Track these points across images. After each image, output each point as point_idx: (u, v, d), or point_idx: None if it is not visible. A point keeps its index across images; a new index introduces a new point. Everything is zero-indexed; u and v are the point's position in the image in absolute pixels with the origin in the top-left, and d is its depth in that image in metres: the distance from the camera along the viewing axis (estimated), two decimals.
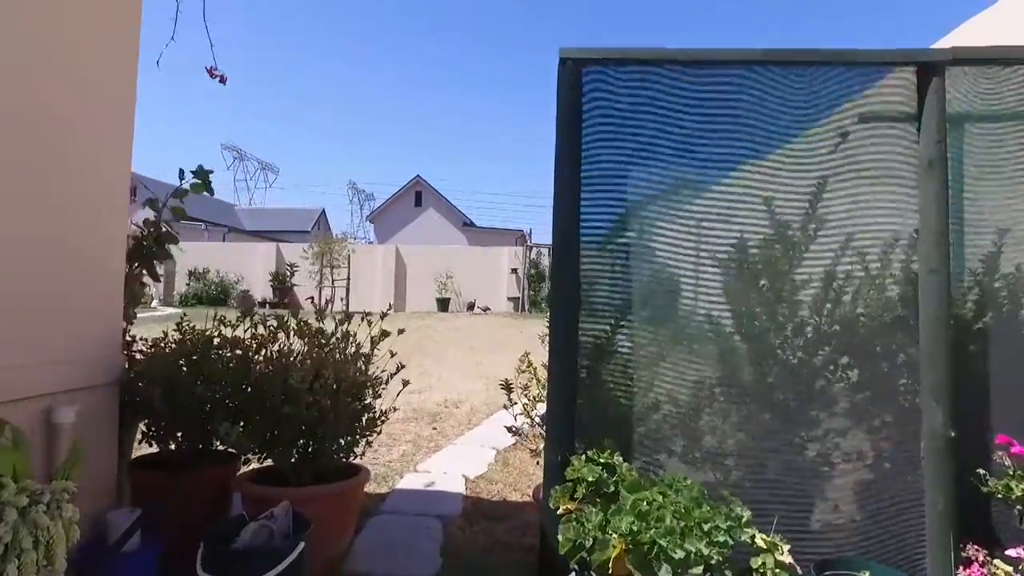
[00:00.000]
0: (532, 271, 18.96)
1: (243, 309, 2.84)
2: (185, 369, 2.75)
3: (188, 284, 19.82)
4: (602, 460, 2.26)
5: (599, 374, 2.51)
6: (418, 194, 35.83)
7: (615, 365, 2.51)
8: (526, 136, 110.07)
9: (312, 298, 15.53)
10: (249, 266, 20.39)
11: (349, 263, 18.77)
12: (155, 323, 12.86)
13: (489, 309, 18.62)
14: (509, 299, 19.63)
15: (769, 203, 2.57)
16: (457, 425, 5.45)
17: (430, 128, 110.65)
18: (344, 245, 18.80)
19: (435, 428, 5.32)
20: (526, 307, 18.69)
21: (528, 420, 2.99)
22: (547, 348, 2.58)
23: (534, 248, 19.36)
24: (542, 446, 3.04)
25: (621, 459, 2.29)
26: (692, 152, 2.47)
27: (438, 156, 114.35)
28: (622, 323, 2.51)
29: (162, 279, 19.96)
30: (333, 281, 18.36)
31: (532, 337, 11.28)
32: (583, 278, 2.45)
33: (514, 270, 19.70)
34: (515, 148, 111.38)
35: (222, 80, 3.61)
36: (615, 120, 2.43)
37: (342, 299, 18.93)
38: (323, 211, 46.15)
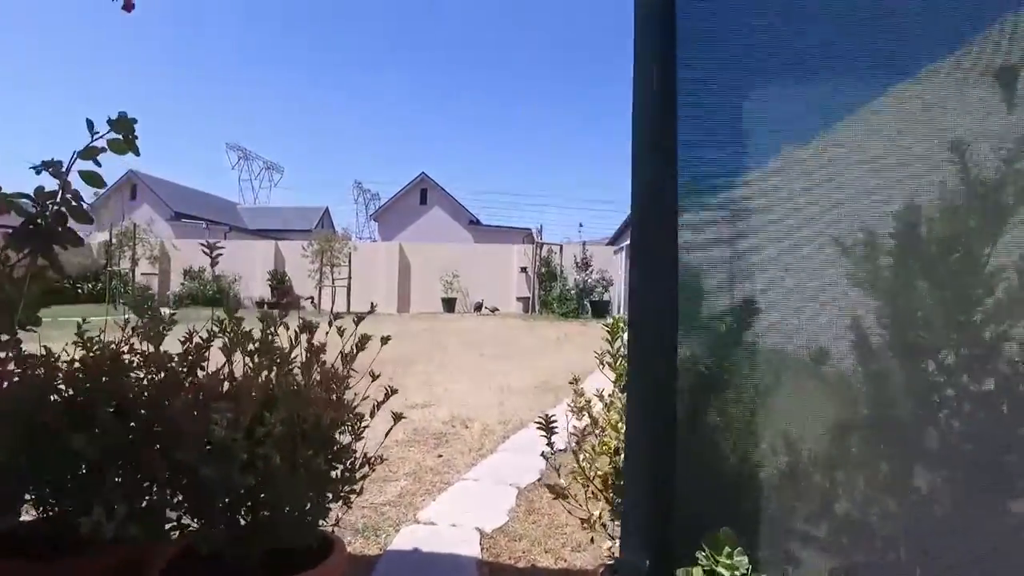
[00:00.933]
0: (543, 269, 18.03)
1: (133, 305, 1.93)
2: (80, 399, 1.87)
3: (183, 284, 18.99)
4: (725, 570, 1.35)
5: (703, 418, 1.61)
6: (423, 191, 34.98)
7: (728, 403, 1.61)
8: (530, 135, 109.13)
9: (312, 298, 14.57)
10: (247, 265, 19.55)
11: (350, 261, 17.90)
12: None
13: (498, 310, 17.72)
14: (518, 299, 18.72)
15: (961, 148, 1.65)
16: (467, 451, 4.54)
17: (435, 129, 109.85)
18: (345, 243, 17.92)
19: (440, 456, 4.42)
20: (536, 308, 17.77)
21: (583, 481, 2.06)
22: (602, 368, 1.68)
23: (544, 246, 18.44)
24: (597, 512, 2.12)
25: (748, 563, 1.40)
26: (843, 64, 1.57)
27: (444, 157, 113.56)
28: (741, 336, 1.60)
29: (157, 277, 19.16)
30: (333, 281, 17.49)
31: (544, 340, 10.34)
32: (682, 266, 1.55)
33: (523, 269, 18.79)
34: (520, 147, 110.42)
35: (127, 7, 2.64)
36: (727, 8, 1.53)
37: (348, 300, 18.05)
38: (327, 209, 45.42)
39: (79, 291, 18.50)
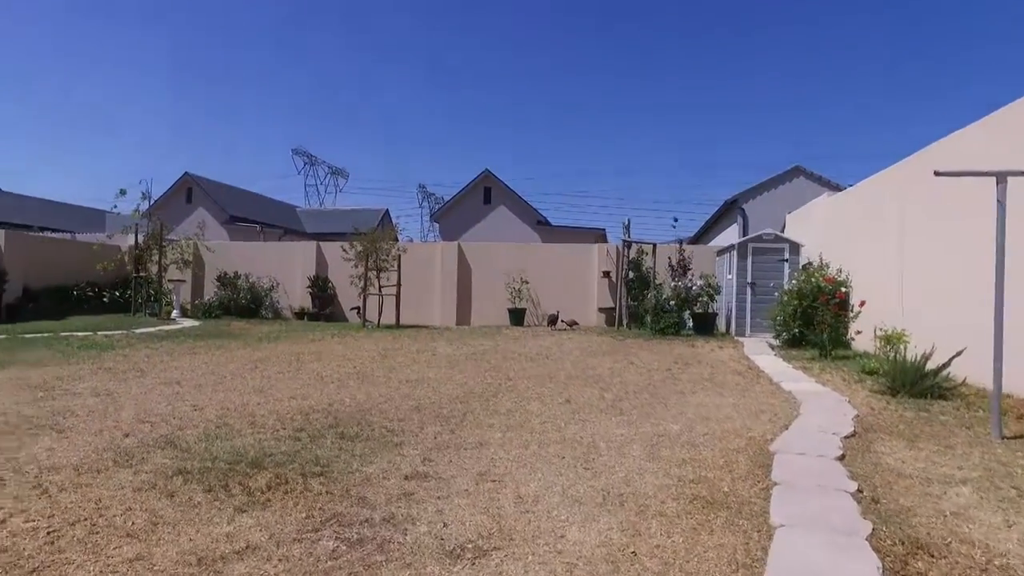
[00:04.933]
0: (632, 275, 14.75)
1: None
2: None
3: (216, 291, 16.69)
4: None
5: None
6: (487, 190, 32.20)
7: None
8: (600, 133, 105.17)
9: (357, 308, 11.52)
10: (287, 270, 17.13)
11: (399, 264, 15.12)
12: (143, 344, 9.12)
13: (576, 324, 14.57)
14: (600, 310, 15.52)
15: None
16: None
17: (501, 131, 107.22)
18: (393, 243, 15.15)
19: None
20: (624, 321, 14.52)
21: None
22: None
23: (634, 245, 15.16)
24: None
25: None
26: None
27: (509, 158, 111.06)
28: None
29: (188, 282, 16.95)
30: (380, 287, 14.76)
31: (652, 371, 5.52)
32: None
33: (607, 273, 15.58)
34: (588, 146, 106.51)
35: None
36: None
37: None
38: (387, 211, 43.31)
39: (104, 299, 16.49)
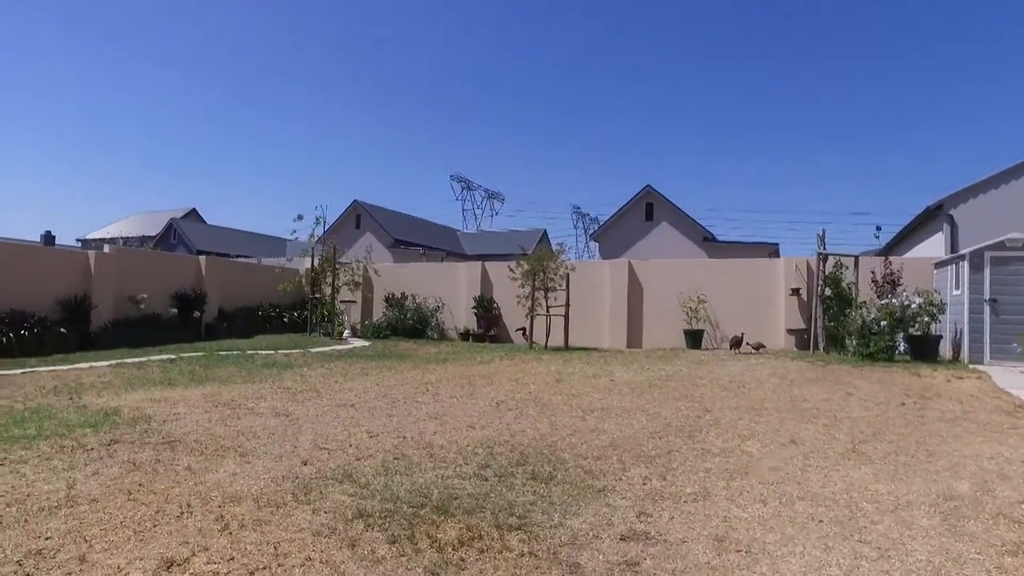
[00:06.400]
0: (828, 291, 12.95)
1: None
2: None
3: (384, 312, 17.08)
4: None
5: None
6: (649, 206, 30.91)
7: None
8: (765, 145, 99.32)
9: (523, 329, 10.92)
10: (451, 291, 17.16)
11: (568, 284, 14.47)
12: (318, 363, 9.06)
13: (763, 346, 13.03)
14: (789, 332, 13.82)
15: None
16: None
17: (657, 148, 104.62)
18: (560, 262, 14.55)
19: None
20: (819, 344, 12.76)
21: None
22: None
23: (830, 258, 13.35)
24: None
25: None
26: None
27: (668, 176, 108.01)
28: None
29: (358, 303, 17.51)
30: (548, 308, 14.20)
31: (879, 406, 4.49)
32: None
33: (796, 290, 13.87)
34: (753, 159, 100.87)
35: None
36: None
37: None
38: (544, 232, 43.43)
39: (284, 319, 17.46)
